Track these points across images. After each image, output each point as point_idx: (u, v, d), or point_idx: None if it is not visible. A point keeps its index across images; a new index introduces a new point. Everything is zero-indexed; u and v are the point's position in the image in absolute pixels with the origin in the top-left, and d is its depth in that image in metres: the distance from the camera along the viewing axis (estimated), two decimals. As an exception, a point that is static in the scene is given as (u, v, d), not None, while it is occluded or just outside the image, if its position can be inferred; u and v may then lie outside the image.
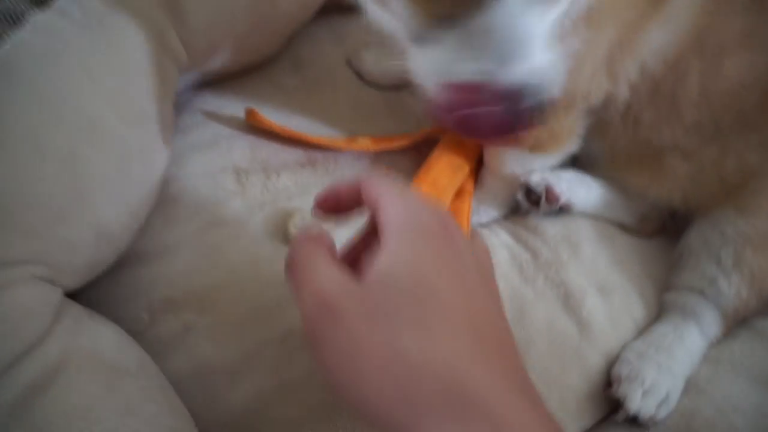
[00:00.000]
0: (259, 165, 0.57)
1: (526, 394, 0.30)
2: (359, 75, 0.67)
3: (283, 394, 0.45)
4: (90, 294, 0.47)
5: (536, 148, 0.53)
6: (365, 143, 0.59)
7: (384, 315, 0.29)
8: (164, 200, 0.53)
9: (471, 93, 0.32)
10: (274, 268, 0.49)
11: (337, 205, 0.37)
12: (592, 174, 0.59)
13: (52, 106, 0.38)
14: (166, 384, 0.41)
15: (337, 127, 0.63)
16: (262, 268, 0.49)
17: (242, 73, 0.63)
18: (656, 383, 0.47)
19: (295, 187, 0.56)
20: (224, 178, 0.55)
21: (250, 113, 0.57)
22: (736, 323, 0.53)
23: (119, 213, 0.43)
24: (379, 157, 0.61)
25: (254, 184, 0.55)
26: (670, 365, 0.49)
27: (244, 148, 0.57)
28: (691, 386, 0.50)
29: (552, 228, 0.58)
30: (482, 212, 0.59)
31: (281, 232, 0.51)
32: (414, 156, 0.61)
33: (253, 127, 0.58)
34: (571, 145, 0.54)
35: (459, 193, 0.58)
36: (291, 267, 0.33)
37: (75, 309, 0.40)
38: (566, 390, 0.49)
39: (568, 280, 0.54)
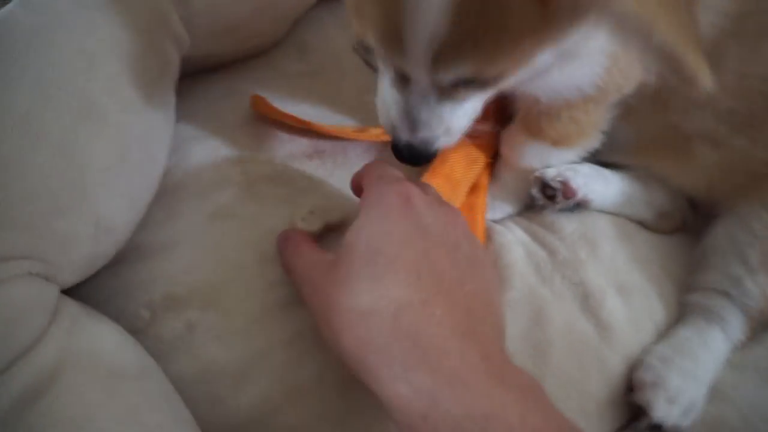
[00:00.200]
0: (264, 155, 0.54)
1: (467, 339, 0.33)
2: (366, 63, 0.64)
3: (292, 399, 0.42)
4: (86, 289, 0.45)
5: (560, 142, 0.50)
6: (376, 133, 0.56)
7: (345, 277, 0.35)
8: (165, 191, 0.50)
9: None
10: (281, 266, 0.47)
11: (359, 189, 0.44)
12: (614, 159, 0.57)
13: (46, 90, 0.35)
14: (170, 388, 0.38)
15: (344, 115, 0.60)
16: (269, 265, 0.47)
17: (245, 59, 0.60)
18: (681, 390, 0.45)
19: (303, 180, 0.53)
20: (228, 169, 0.52)
21: (256, 100, 0.54)
22: (762, 326, 0.51)
23: (119, 205, 0.40)
24: (388, 149, 0.58)
25: (260, 176, 0.52)
26: (694, 371, 0.47)
27: (248, 138, 0.55)
28: (715, 393, 0.48)
29: (569, 225, 0.55)
30: (497, 208, 0.57)
31: (289, 226, 0.49)
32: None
33: (259, 115, 0.55)
34: (595, 141, 0.52)
35: (474, 188, 0.56)
36: (284, 259, 0.43)
37: (72, 307, 0.37)
38: (586, 395, 0.47)
39: (586, 280, 0.52)
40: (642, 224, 0.58)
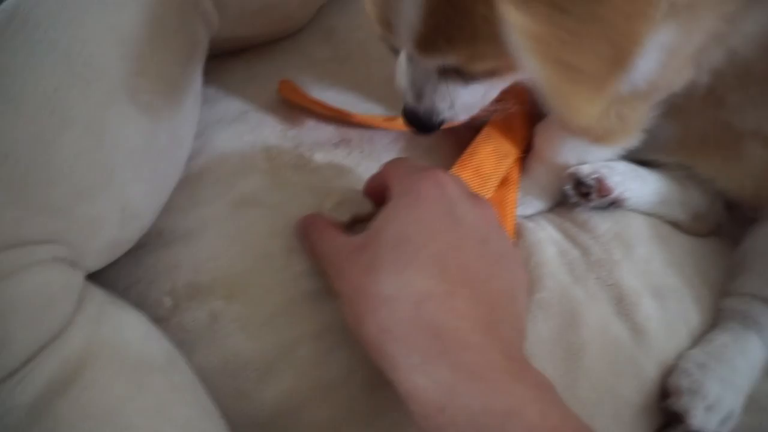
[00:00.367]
0: (290, 142, 0.52)
1: (490, 333, 0.33)
2: (392, 50, 0.62)
3: (319, 395, 0.41)
4: (107, 275, 0.43)
5: (602, 139, 0.49)
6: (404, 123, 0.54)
7: (371, 262, 0.34)
8: (188, 176, 0.49)
9: None
10: (309, 258, 0.45)
11: (375, 193, 0.44)
12: (654, 158, 0.55)
13: (75, 68, 0.34)
14: (196, 380, 0.37)
15: (372, 103, 0.58)
16: (296, 255, 0.45)
17: (271, 42, 0.59)
18: (719, 398, 0.44)
19: (329, 170, 0.52)
20: (253, 155, 0.51)
21: (284, 85, 0.52)
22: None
23: (145, 189, 0.39)
24: (417, 139, 0.56)
25: (285, 163, 0.51)
26: (732, 379, 0.45)
27: (274, 124, 0.53)
28: (751, 402, 0.46)
29: (603, 224, 0.54)
30: (528, 203, 0.55)
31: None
32: (455, 139, 0.56)
33: (285, 100, 0.53)
34: (636, 139, 0.51)
35: (504, 182, 0.54)
36: (309, 243, 0.42)
37: (97, 295, 0.36)
38: (620, 401, 0.45)
39: (621, 282, 0.50)
40: (676, 225, 0.56)
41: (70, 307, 0.32)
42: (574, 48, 0.26)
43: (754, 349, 0.47)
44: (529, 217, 0.56)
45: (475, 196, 0.40)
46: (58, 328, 0.30)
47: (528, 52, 0.26)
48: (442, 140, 0.56)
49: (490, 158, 0.53)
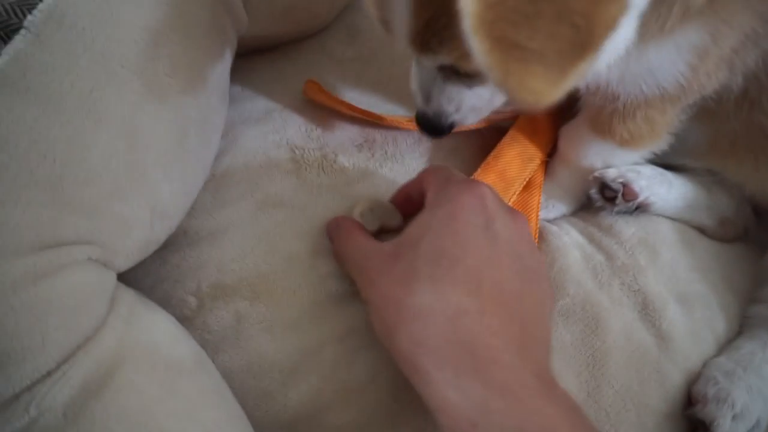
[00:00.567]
0: (315, 143, 0.52)
1: (523, 353, 0.33)
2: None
3: (343, 398, 0.41)
4: (133, 275, 0.43)
5: (629, 142, 0.48)
6: (430, 125, 0.54)
7: (405, 273, 0.34)
8: (213, 176, 0.49)
9: None
10: (334, 260, 0.45)
11: (408, 201, 0.44)
12: (682, 162, 0.54)
13: (110, 68, 0.34)
14: (222, 382, 0.37)
15: (395, 104, 0.58)
16: (321, 257, 0.45)
17: (296, 42, 0.58)
18: (746, 407, 0.43)
19: (354, 171, 0.51)
20: (279, 156, 0.51)
21: (310, 86, 0.52)
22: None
23: (175, 189, 0.39)
24: (440, 141, 0.56)
25: (311, 164, 0.50)
26: (760, 387, 0.44)
27: (299, 124, 0.53)
28: (778, 411, 0.46)
29: (628, 228, 0.53)
30: (551, 207, 0.55)
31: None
32: (479, 141, 0.56)
33: (310, 100, 0.53)
34: (664, 142, 0.50)
35: (528, 186, 0.54)
36: (336, 247, 0.42)
37: (128, 295, 0.36)
38: (644, 408, 0.45)
39: (646, 288, 0.49)
40: (702, 231, 0.56)
41: (103, 307, 0.32)
42: (528, 29, 0.26)
43: (782, 357, 0.47)
44: (552, 221, 0.55)
45: (511, 210, 0.40)
46: (92, 328, 0.31)
47: (476, 36, 0.26)
48: (466, 142, 0.56)
49: (515, 162, 0.53)
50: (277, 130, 0.52)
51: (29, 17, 0.32)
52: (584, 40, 0.26)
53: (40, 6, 0.32)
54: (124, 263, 0.37)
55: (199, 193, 0.47)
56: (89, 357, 0.30)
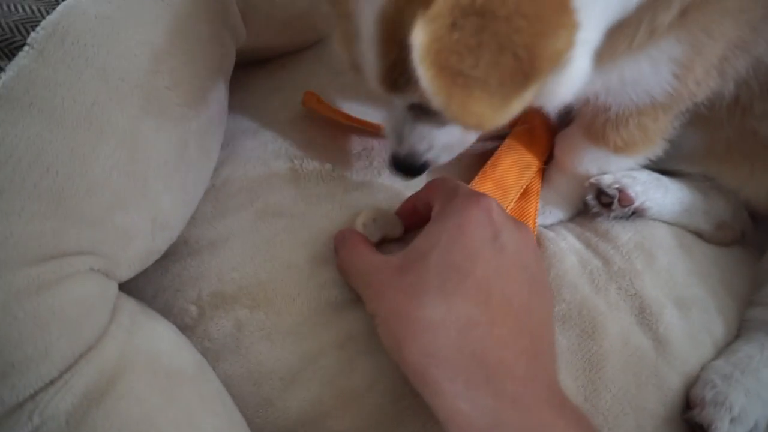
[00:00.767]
0: (313, 152, 0.53)
1: (533, 365, 0.34)
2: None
3: (343, 405, 0.41)
4: (134, 284, 0.44)
5: (623, 149, 0.49)
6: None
7: (415, 286, 0.34)
8: (213, 186, 0.50)
9: None
10: (333, 267, 0.46)
11: (414, 213, 0.45)
12: (678, 168, 0.55)
13: (111, 82, 0.35)
14: (223, 389, 0.38)
15: (392, 114, 0.59)
16: (320, 265, 0.46)
17: (295, 53, 0.59)
18: (745, 410, 0.43)
19: (352, 180, 0.52)
20: (278, 165, 0.51)
21: (308, 96, 0.53)
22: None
23: (175, 200, 0.39)
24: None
25: (310, 173, 0.51)
26: (758, 390, 0.45)
27: (298, 134, 0.54)
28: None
29: (624, 233, 0.53)
30: (548, 213, 0.55)
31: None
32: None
33: (309, 110, 0.54)
34: (658, 149, 0.50)
35: (525, 193, 0.54)
36: (340, 263, 0.43)
37: (130, 305, 0.36)
38: (643, 412, 0.45)
39: (643, 292, 0.50)
40: (699, 235, 0.56)
41: (105, 317, 0.33)
42: (471, 59, 0.27)
43: (780, 360, 0.47)
44: (549, 227, 0.56)
45: (516, 221, 0.40)
46: (94, 338, 0.31)
47: (422, 65, 0.27)
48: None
49: (513, 169, 0.53)
50: (276, 140, 0.53)
51: (32, 34, 0.33)
52: (526, 70, 0.28)
53: (43, 23, 0.33)
54: (126, 273, 0.38)
55: (200, 202, 0.48)
56: (91, 366, 0.30)
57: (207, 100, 0.42)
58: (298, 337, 0.43)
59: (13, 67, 0.33)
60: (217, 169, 0.50)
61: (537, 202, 0.54)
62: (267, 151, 0.52)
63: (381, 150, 0.55)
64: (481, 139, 0.48)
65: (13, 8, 0.37)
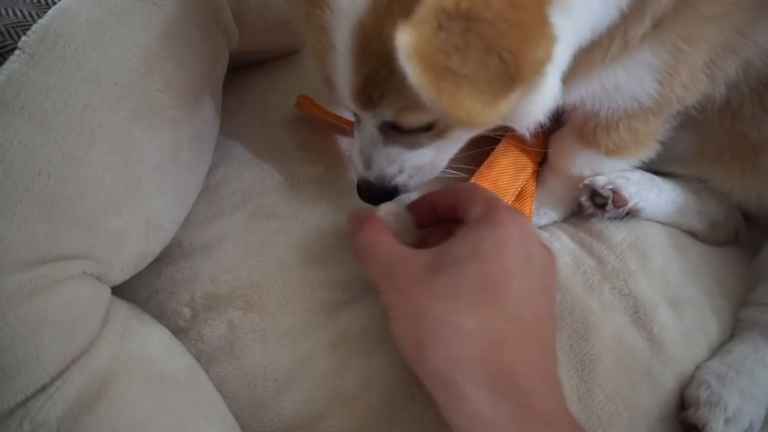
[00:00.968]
0: (307, 155, 0.53)
1: (554, 387, 0.35)
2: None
3: (337, 405, 0.41)
4: (127, 287, 0.44)
5: (615, 152, 0.49)
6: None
7: (448, 292, 0.34)
8: (207, 188, 0.50)
9: None
10: (326, 269, 0.46)
11: (431, 210, 0.44)
12: (670, 170, 0.55)
13: (103, 85, 0.35)
14: (216, 394, 0.38)
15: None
16: (314, 266, 0.46)
17: (288, 55, 0.59)
18: (740, 411, 0.43)
19: (346, 181, 0.52)
20: (271, 167, 0.51)
21: (302, 99, 0.53)
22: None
23: (169, 203, 0.40)
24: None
25: (303, 175, 0.51)
26: (752, 390, 0.45)
27: (291, 136, 0.54)
28: (771, 414, 0.46)
29: (618, 233, 0.54)
30: (542, 214, 0.56)
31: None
32: (474, 151, 0.56)
33: (303, 113, 0.54)
34: (651, 151, 0.51)
35: (520, 195, 0.54)
36: (358, 246, 0.40)
37: (123, 309, 0.36)
38: (636, 412, 0.45)
39: (637, 292, 0.50)
40: (693, 235, 0.56)
41: (98, 321, 0.32)
42: (458, 58, 0.28)
43: (774, 360, 0.47)
44: (544, 228, 0.56)
45: (542, 243, 0.40)
46: (86, 342, 0.31)
47: (409, 63, 0.28)
48: (460, 152, 0.57)
49: (508, 171, 0.53)
50: (269, 142, 0.53)
51: (23, 38, 0.33)
52: (512, 73, 0.29)
53: (34, 27, 0.33)
54: (119, 276, 0.38)
55: (194, 205, 0.48)
56: (83, 371, 0.30)
57: (200, 103, 0.42)
58: (291, 338, 0.43)
59: (4, 71, 0.33)
60: (211, 171, 0.50)
61: (531, 204, 0.54)
62: (260, 153, 0.52)
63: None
64: (449, 165, 0.48)
65: (4, 12, 0.37)
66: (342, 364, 0.43)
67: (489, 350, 0.32)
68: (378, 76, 0.34)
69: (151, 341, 0.36)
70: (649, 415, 0.45)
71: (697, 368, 0.47)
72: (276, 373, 0.42)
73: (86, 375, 0.30)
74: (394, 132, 0.40)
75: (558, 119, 0.53)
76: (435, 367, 0.33)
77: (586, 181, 0.53)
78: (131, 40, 0.36)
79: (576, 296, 0.49)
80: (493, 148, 0.54)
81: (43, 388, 0.29)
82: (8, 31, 0.36)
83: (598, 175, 0.53)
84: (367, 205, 0.45)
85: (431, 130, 0.40)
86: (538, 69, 0.30)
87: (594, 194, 0.53)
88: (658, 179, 0.55)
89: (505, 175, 0.52)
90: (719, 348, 0.50)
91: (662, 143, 0.50)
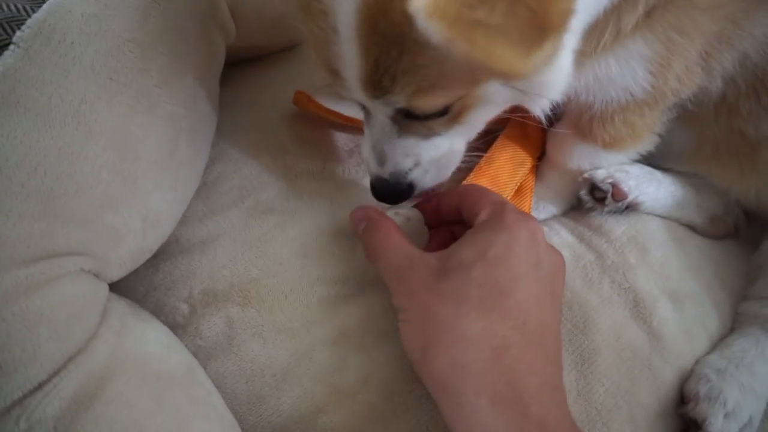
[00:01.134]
0: (305, 150, 0.53)
1: (555, 395, 0.34)
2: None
3: (336, 401, 0.41)
4: (125, 283, 0.44)
5: (612, 145, 0.49)
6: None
7: (455, 295, 0.34)
8: (205, 184, 0.50)
9: None
10: (324, 264, 0.46)
11: (434, 213, 0.44)
12: (669, 166, 0.55)
13: (100, 80, 0.34)
14: (214, 390, 0.38)
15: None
16: (312, 262, 0.46)
17: (285, 50, 0.59)
18: (739, 405, 0.43)
19: (344, 176, 0.52)
20: (269, 162, 0.51)
21: (299, 96, 0.52)
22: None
23: (166, 198, 0.39)
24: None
25: (300, 170, 0.51)
26: (752, 385, 0.45)
27: (289, 131, 0.54)
28: (770, 408, 0.46)
29: (617, 227, 0.53)
30: (541, 208, 0.55)
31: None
32: (473, 146, 0.56)
33: (301, 109, 0.54)
34: (648, 144, 0.50)
35: (519, 190, 0.54)
36: (371, 247, 0.40)
37: (120, 306, 0.36)
38: (636, 407, 0.45)
39: (636, 286, 0.50)
40: (692, 228, 0.56)
41: (95, 319, 0.32)
42: (485, 8, 0.27)
43: (774, 354, 0.47)
44: (543, 222, 0.56)
45: (552, 247, 0.40)
46: (84, 340, 0.31)
47: (431, 21, 0.26)
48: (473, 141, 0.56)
49: (507, 166, 0.53)
50: (267, 137, 0.53)
51: (18, 33, 0.33)
52: (542, 23, 0.28)
53: (29, 22, 0.33)
54: (117, 273, 0.38)
55: (191, 200, 0.47)
56: (80, 369, 0.30)
57: (197, 98, 0.42)
58: (290, 334, 0.43)
59: (-1, 66, 0.32)
60: (209, 167, 0.50)
61: (531, 200, 0.54)
62: (258, 149, 0.52)
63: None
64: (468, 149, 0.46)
65: (-2, 7, 0.37)
66: (341, 359, 0.42)
67: (491, 356, 0.32)
68: (388, 57, 0.32)
69: (148, 339, 0.36)
70: (649, 409, 0.45)
71: (697, 362, 0.47)
72: (274, 368, 0.42)
73: (83, 373, 0.30)
74: (408, 120, 0.38)
75: (556, 114, 0.53)
76: (437, 372, 0.32)
77: (585, 175, 0.53)
78: (127, 35, 0.36)
79: (575, 290, 0.49)
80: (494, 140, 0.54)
81: (40, 386, 0.29)
82: (2, 26, 0.36)
83: (596, 168, 0.53)
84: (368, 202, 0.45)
85: (446, 114, 0.38)
86: (564, 19, 0.29)
87: (593, 188, 0.53)
88: (657, 173, 0.55)
89: (504, 170, 0.52)
90: (719, 342, 0.50)
91: (660, 137, 0.50)
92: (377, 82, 0.34)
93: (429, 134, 0.40)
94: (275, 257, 0.46)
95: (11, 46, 0.33)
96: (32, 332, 0.29)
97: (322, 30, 0.34)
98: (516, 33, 0.27)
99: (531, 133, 0.54)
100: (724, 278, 0.53)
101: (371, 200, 0.49)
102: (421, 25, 0.27)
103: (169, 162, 0.39)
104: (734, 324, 0.51)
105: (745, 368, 0.45)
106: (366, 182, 0.52)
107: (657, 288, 0.50)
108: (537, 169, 0.56)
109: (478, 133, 0.45)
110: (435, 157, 0.42)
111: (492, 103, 0.39)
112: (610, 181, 0.52)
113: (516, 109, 0.42)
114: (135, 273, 0.44)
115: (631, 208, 0.54)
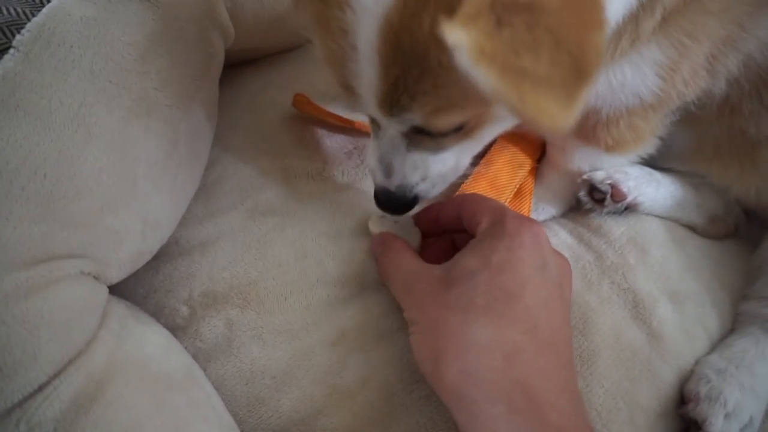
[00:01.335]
0: (304, 151, 0.53)
1: (573, 401, 0.34)
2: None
3: (335, 402, 0.41)
4: (125, 285, 0.44)
5: (615, 148, 0.49)
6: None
7: (461, 303, 0.34)
8: (204, 186, 0.50)
9: None
10: (324, 266, 0.46)
11: (433, 223, 0.44)
12: (669, 166, 0.55)
13: (99, 83, 0.34)
14: (213, 393, 0.38)
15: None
16: (312, 264, 0.46)
17: (284, 52, 0.59)
18: (739, 405, 0.43)
19: (343, 178, 0.52)
20: (268, 164, 0.51)
21: (298, 98, 0.53)
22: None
23: (166, 201, 0.39)
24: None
25: (300, 172, 0.51)
26: (753, 385, 0.45)
27: (288, 133, 0.54)
28: (771, 408, 0.46)
29: (617, 228, 0.53)
30: (540, 210, 0.55)
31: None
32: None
33: (300, 112, 0.54)
34: (650, 146, 0.51)
35: (519, 192, 0.54)
36: (382, 265, 0.41)
37: (120, 309, 0.36)
38: (636, 407, 0.45)
39: (636, 286, 0.50)
40: (692, 229, 0.56)
41: (95, 321, 0.32)
42: (531, 57, 0.26)
43: (775, 354, 0.47)
44: (542, 223, 0.56)
45: (557, 251, 0.40)
46: (83, 342, 0.31)
47: (480, 67, 0.25)
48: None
49: (506, 169, 0.53)
50: (266, 139, 0.53)
51: (18, 37, 0.33)
52: (581, 67, 0.27)
53: (29, 25, 0.33)
54: (117, 275, 0.38)
55: (191, 202, 0.48)
56: (80, 372, 0.30)
57: (196, 100, 0.42)
58: (289, 335, 0.43)
59: (-1, 69, 0.33)
60: (208, 169, 0.50)
61: (530, 202, 0.54)
62: (257, 150, 0.52)
63: (372, 148, 0.55)
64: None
65: (-2, 11, 0.37)
66: (340, 360, 0.43)
67: (503, 363, 0.32)
68: (409, 76, 0.32)
69: (147, 341, 0.36)
70: (649, 409, 0.45)
71: (697, 363, 0.47)
72: (274, 370, 0.42)
73: (83, 375, 0.30)
74: (419, 136, 0.38)
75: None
76: (450, 382, 0.32)
77: (585, 176, 0.53)
78: (126, 38, 0.36)
79: (574, 291, 0.49)
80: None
81: (40, 389, 0.29)
82: (2, 30, 0.36)
83: (596, 170, 0.53)
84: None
85: (460, 131, 0.38)
86: (600, 57, 0.27)
87: (592, 189, 0.53)
88: (656, 173, 0.55)
89: (503, 173, 0.52)
90: (719, 342, 0.50)
91: (661, 139, 0.50)
92: (395, 101, 0.34)
93: (438, 149, 0.40)
94: (275, 259, 0.46)
95: (11, 50, 0.33)
96: (32, 335, 0.30)
97: (339, 47, 0.33)
98: (560, 83, 0.26)
99: (529, 134, 0.54)
100: (724, 278, 0.53)
101: (370, 202, 0.49)
102: (464, 65, 0.26)
103: (169, 164, 0.39)
104: (734, 324, 0.51)
105: (746, 368, 0.45)
106: (365, 185, 0.52)
107: (657, 288, 0.50)
108: (537, 171, 0.56)
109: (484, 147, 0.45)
110: (443, 171, 0.42)
111: (506, 119, 0.39)
112: (609, 182, 0.52)
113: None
114: (135, 275, 0.44)
115: (630, 208, 0.54)
